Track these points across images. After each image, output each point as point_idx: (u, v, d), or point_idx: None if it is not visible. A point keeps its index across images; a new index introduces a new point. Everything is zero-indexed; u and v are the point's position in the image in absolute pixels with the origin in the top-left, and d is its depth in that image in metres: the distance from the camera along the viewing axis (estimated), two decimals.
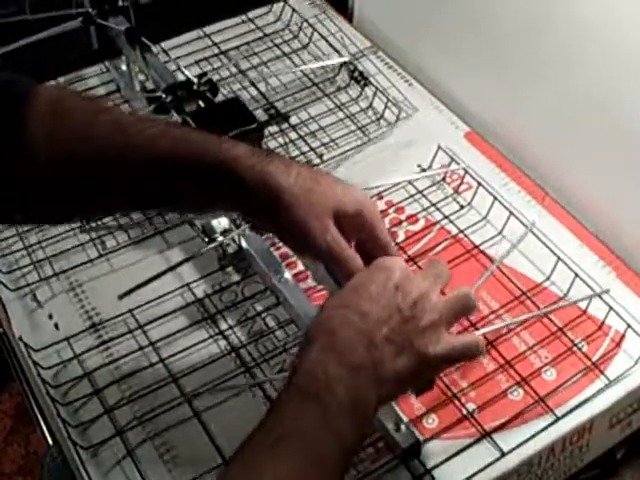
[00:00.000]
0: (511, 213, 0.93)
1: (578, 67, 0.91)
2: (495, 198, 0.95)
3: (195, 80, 0.95)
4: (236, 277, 0.91)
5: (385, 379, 0.63)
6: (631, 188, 0.89)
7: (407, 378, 0.65)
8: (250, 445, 0.60)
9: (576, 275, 0.87)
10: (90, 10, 1.07)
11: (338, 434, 0.60)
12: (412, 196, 0.98)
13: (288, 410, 0.61)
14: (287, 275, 0.87)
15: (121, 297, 0.83)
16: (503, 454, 0.75)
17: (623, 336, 0.83)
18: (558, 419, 0.78)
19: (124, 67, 1.11)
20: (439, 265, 0.71)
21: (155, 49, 1.07)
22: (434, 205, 0.97)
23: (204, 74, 0.96)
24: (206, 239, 0.89)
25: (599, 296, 0.85)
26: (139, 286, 0.83)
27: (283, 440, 0.59)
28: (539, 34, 0.94)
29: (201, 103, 0.93)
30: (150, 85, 1.07)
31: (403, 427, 0.71)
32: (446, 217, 0.96)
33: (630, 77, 0.84)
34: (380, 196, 0.98)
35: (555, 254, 0.89)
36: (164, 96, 0.94)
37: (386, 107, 1.08)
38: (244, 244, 0.89)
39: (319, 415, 0.60)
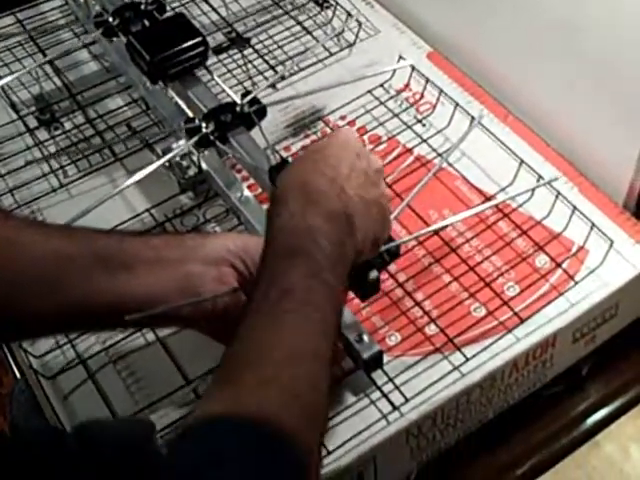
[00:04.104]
0: (472, 118, 0.92)
1: None
2: (457, 104, 0.94)
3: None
4: (197, 201, 0.91)
5: (357, 228, 0.63)
6: (593, 103, 0.88)
7: (374, 235, 0.66)
8: (253, 309, 0.59)
9: (539, 177, 0.87)
10: None
11: (329, 285, 0.60)
12: (368, 111, 0.98)
13: (279, 268, 0.60)
14: (247, 193, 0.86)
15: None
16: (466, 368, 0.76)
17: (586, 249, 0.83)
18: (520, 333, 0.78)
19: None
20: None
21: None
22: (396, 116, 0.97)
23: None
24: (167, 164, 0.88)
25: (549, 184, 0.85)
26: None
27: (285, 297, 0.58)
28: None
29: (146, 22, 0.91)
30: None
31: (365, 338, 0.71)
32: (409, 127, 0.96)
33: None
34: (343, 117, 0.98)
35: (518, 157, 0.89)
36: (112, 19, 0.92)
37: (345, 22, 1.07)
38: (204, 165, 0.88)
39: (310, 267, 0.60)
